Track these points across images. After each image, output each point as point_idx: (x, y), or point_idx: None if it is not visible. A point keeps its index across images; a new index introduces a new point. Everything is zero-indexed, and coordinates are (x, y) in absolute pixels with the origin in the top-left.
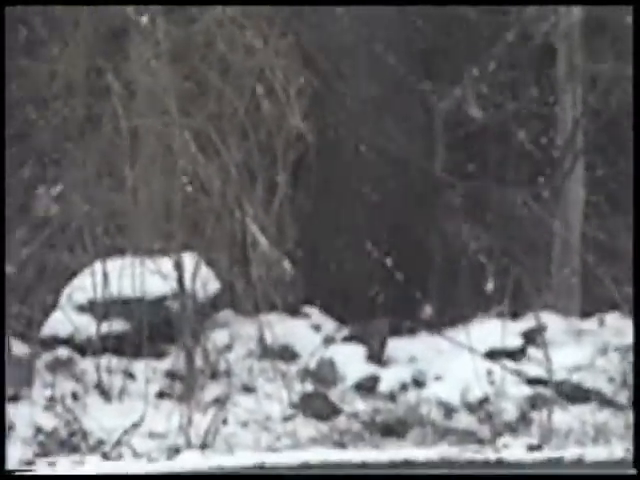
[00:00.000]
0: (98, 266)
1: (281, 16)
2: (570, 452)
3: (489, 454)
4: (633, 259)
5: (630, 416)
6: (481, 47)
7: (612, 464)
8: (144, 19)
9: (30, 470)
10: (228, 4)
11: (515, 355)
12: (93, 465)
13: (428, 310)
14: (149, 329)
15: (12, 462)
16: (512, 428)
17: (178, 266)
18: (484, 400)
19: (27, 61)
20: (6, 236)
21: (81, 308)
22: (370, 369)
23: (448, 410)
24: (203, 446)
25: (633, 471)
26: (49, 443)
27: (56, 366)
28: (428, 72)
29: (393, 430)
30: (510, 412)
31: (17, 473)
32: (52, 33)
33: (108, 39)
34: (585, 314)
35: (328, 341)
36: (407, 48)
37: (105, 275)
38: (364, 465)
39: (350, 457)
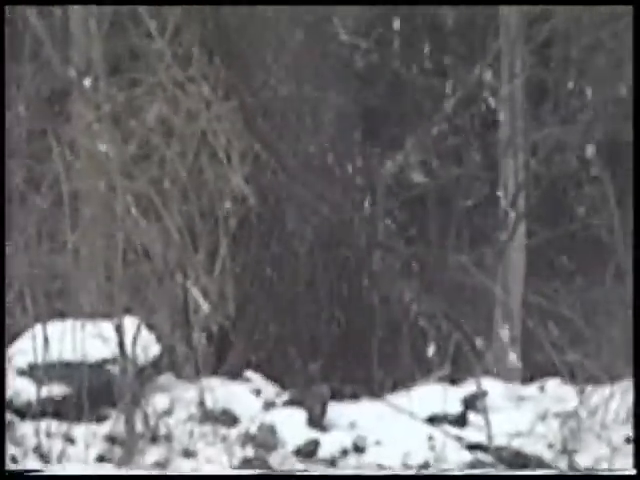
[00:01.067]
0: (38, 329)
1: (223, 79)
2: None
3: None
4: (633, 260)
5: None
6: (424, 112)
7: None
8: (87, 82)
9: (30, 470)
10: (221, 4)
11: (456, 420)
12: None
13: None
14: (89, 393)
15: None
16: None
17: (119, 330)
18: (424, 465)
19: None
20: None
21: (21, 372)
22: (310, 434)
23: None
24: None
25: (633, 471)
26: None
27: None
28: (371, 137)
29: None
30: None
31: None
32: None
33: (50, 101)
34: (525, 380)
35: (269, 406)
36: (349, 112)
37: (46, 338)
38: None
39: None
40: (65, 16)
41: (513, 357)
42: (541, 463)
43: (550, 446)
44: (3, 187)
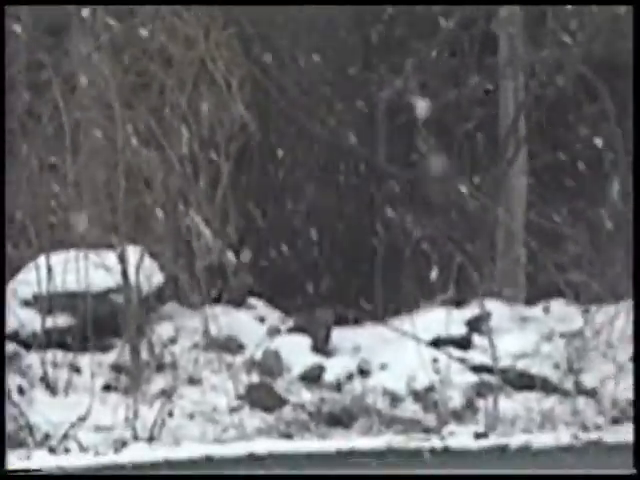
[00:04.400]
0: (42, 260)
1: (222, 8)
2: (516, 439)
3: (435, 442)
4: (633, 258)
5: (576, 402)
6: (422, 36)
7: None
8: (84, 12)
9: (30, 470)
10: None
11: (460, 343)
12: (40, 459)
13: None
14: (94, 322)
15: None
16: (458, 416)
17: (122, 259)
18: (430, 388)
19: None
20: None
21: (26, 303)
22: (315, 359)
23: (394, 399)
24: (150, 438)
25: (633, 471)
26: None
27: None
28: (369, 62)
29: (339, 420)
30: (456, 400)
31: (17, 473)
32: None
33: (48, 33)
34: (529, 301)
35: (273, 332)
36: (348, 38)
37: (49, 269)
38: (310, 456)
39: (297, 447)
40: None
41: (517, 278)
42: (547, 383)
43: (556, 366)
44: (3, 187)
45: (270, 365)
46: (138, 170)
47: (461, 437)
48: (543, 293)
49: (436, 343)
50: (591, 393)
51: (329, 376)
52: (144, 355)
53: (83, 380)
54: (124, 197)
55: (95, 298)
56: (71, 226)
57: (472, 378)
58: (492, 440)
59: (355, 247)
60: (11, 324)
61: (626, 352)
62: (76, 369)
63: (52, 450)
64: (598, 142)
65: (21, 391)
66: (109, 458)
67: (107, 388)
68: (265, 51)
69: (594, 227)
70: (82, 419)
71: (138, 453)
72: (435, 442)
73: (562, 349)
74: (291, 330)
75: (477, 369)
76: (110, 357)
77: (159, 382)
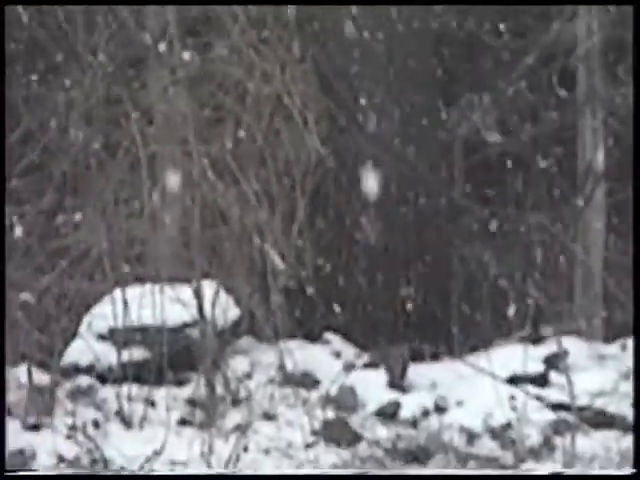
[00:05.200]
0: (118, 294)
1: (298, 42)
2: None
3: None
4: (633, 259)
5: None
6: (500, 71)
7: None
8: (161, 46)
9: (30, 470)
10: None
11: (537, 380)
12: None
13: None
14: (170, 357)
15: None
16: (535, 454)
17: (198, 293)
18: (507, 426)
19: (43, 89)
20: (26, 265)
21: (101, 336)
22: (391, 395)
23: (470, 436)
24: None
25: (633, 471)
26: None
27: (77, 394)
28: (447, 97)
29: (415, 456)
30: (533, 438)
31: (16, 473)
32: (68, 60)
33: (125, 66)
34: (607, 339)
35: (349, 368)
36: (425, 73)
37: (125, 303)
38: None
39: None
40: None
41: (594, 316)
42: (625, 422)
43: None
44: (3, 187)
45: (345, 401)
46: (214, 204)
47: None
48: (621, 331)
49: (513, 380)
50: None
51: (405, 412)
52: (219, 390)
53: (158, 414)
54: (200, 231)
55: (171, 332)
56: (146, 260)
57: (549, 416)
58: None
59: (432, 282)
60: (87, 358)
61: None
62: (151, 403)
63: None
64: None
65: (96, 425)
66: None
67: (182, 422)
68: (342, 86)
69: None
70: (157, 453)
71: None
72: None
73: None
74: (367, 366)
75: (554, 407)
76: (185, 391)
77: (234, 417)
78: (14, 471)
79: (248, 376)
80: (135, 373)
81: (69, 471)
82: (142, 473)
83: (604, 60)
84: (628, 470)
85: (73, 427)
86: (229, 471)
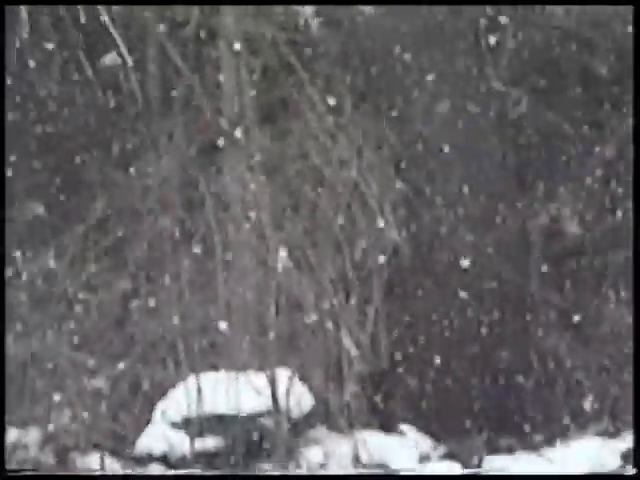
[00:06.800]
0: (192, 381)
1: (375, 127)
2: None
3: None
4: (633, 260)
5: None
6: (577, 161)
7: None
8: (238, 132)
9: (30, 470)
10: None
11: (616, 476)
12: None
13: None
14: (243, 446)
15: None
16: None
17: (272, 382)
18: None
19: (120, 174)
20: (101, 351)
21: (174, 424)
22: None
23: None
24: None
25: (633, 471)
26: None
27: None
28: (524, 187)
29: None
30: None
31: (16, 473)
32: (144, 145)
33: (201, 151)
34: None
35: (424, 459)
36: (503, 162)
37: (199, 390)
38: None
39: None
40: (216, 66)
41: None
42: None
43: None
44: (3, 187)
45: None
46: (289, 291)
47: None
48: None
49: (590, 475)
50: None
51: None
52: None
53: None
54: (275, 318)
55: (245, 421)
56: (221, 347)
57: None
58: None
59: (508, 374)
60: (160, 446)
61: None
62: None
63: None
64: None
65: None
66: None
67: None
68: (418, 173)
69: None
70: None
71: None
72: None
73: None
74: (442, 457)
75: None
76: None
77: None
78: (14, 471)
79: (322, 466)
80: (208, 462)
81: (69, 471)
82: (142, 473)
83: None
84: (628, 470)
85: None
86: (229, 471)
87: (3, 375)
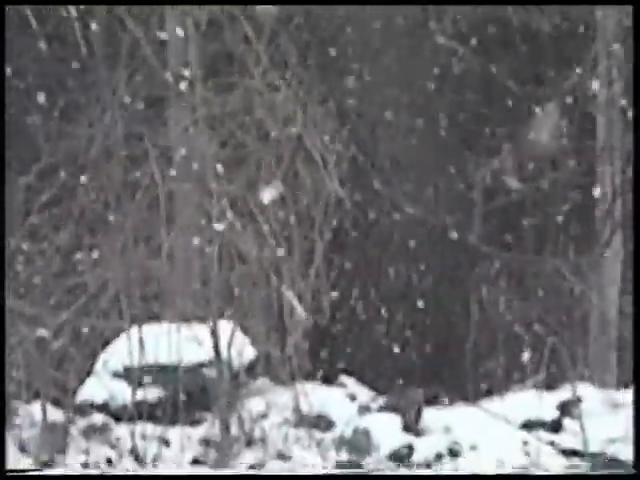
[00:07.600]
0: (134, 332)
1: (320, 81)
2: None
3: None
4: (633, 259)
5: None
6: (520, 118)
7: None
8: (182, 85)
9: (30, 470)
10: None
11: (551, 426)
12: None
13: None
14: (185, 396)
15: None
16: None
17: (214, 333)
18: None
19: (64, 125)
20: (43, 301)
21: (116, 374)
22: (405, 439)
23: None
24: None
25: (633, 471)
26: None
27: (91, 432)
28: (467, 142)
29: None
30: None
31: (16, 473)
32: (90, 98)
33: (146, 105)
34: (621, 386)
35: (363, 410)
36: (447, 117)
37: (141, 341)
38: None
39: None
40: (161, 20)
41: (609, 363)
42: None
43: None
44: (3, 187)
45: (360, 443)
46: (232, 244)
47: None
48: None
49: (527, 426)
50: None
51: (418, 456)
52: (234, 430)
53: (172, 453)
54: (217, 270)
55: (186, 372)
56: (163, 299)
57: (562, 462)
58: None
59: (448, 327)
60: (102, 395)
61: None
62: (165, 442)
63: None
64: None
65: (109, 462)
66: None
67: (196, 462)
68: (363, 127)
69: None
70: None
71: None
72: None
73: None
74: (381, 409)
75: (567, 453)
76: (200, 431)
77: (248, 457)
78: (14, 471)
79: (263, 417)
80: (149, 412)
81: (69, 471)
82: (142, 473)
83: (623, 108)
84: (628, 470)
85: (86, 465)
86: (229, 471)
87: (3, 375)
